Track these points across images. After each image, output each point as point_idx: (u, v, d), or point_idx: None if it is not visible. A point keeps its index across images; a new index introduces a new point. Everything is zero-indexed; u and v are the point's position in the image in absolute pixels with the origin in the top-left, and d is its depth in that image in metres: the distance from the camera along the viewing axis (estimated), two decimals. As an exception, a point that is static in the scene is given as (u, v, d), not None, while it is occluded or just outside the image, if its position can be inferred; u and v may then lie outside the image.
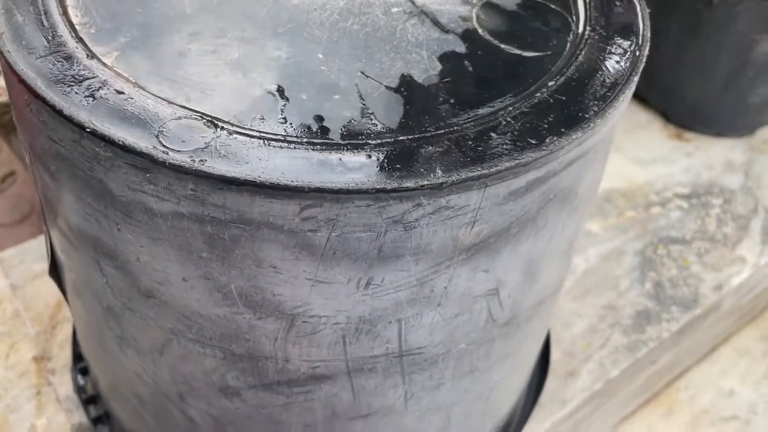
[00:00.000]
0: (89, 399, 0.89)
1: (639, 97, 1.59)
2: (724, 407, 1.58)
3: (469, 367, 0.64)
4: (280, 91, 0.49)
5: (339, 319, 0.52)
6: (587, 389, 1.05)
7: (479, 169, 0.45)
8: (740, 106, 1.45)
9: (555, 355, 1.08)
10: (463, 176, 0.44)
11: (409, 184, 0.44)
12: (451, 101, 0.50)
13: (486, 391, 0.71)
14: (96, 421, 0.87)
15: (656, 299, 1.18)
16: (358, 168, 0.44)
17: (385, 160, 0.45)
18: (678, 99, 1.49)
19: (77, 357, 0.93)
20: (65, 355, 0.98)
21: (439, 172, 0.44)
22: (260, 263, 0.48)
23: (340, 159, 0.44)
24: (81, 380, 0.91)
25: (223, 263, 0.48)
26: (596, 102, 0.51)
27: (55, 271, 0.68)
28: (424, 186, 0.44)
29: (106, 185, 0.47)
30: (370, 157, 0.45)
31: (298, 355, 0.55)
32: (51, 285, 1.10)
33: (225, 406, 0.62)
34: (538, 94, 0.51)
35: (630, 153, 1.47)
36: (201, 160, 0.43)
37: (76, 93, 0.46)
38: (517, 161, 0.46)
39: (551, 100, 0.51)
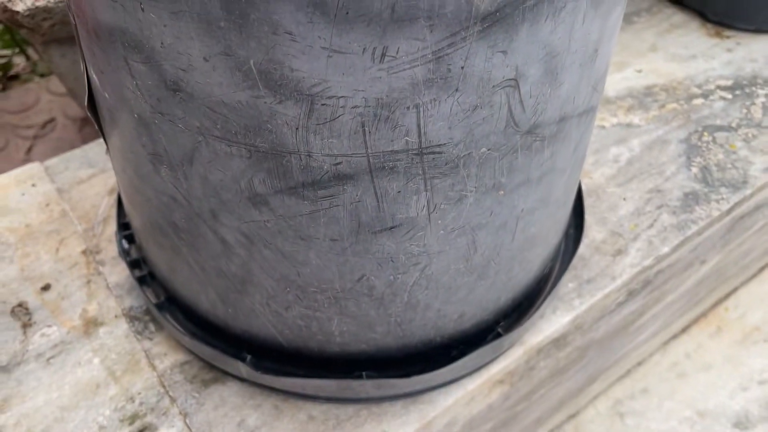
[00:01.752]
0: (133, 262, 0.93)
1: (674, -2, 1.54)
2: (777, 324, 1.54)
3: (492, 180, 0.64)
4: None
5: (357, 101, 0.53)
6: (637, 265, 1.04)
7: None
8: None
9: (601, 235, 1.07)
10: None
11: (418, -75, 0.44)
12: None
13: (512, 222, 0.71)
14: (140, 281, 0.91)
15: (704, 182, 1.16)
16: None
17: None
18: (716, -5, 1.44)
19: (122, 226, 0.97)
20: (114, 249, 1.03)
21: None
22: (276, 29, 0.49)
23: None
24: (125, 244, 0.95)
25: (240, 32, 0.50)
26: None
27: (92, 106, 0.71)
28: (432, -73, 0.44)
29: (127, -45, 0.49)
30: None
31: (320, 148, 0.57)
32: (96, 188, 1.15)
33: (255, 219, 0.65)
34: None
35: (668, 51, 1.43)
36: None
37: None
38: None
39: None
